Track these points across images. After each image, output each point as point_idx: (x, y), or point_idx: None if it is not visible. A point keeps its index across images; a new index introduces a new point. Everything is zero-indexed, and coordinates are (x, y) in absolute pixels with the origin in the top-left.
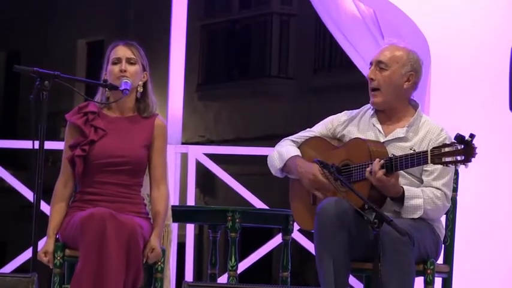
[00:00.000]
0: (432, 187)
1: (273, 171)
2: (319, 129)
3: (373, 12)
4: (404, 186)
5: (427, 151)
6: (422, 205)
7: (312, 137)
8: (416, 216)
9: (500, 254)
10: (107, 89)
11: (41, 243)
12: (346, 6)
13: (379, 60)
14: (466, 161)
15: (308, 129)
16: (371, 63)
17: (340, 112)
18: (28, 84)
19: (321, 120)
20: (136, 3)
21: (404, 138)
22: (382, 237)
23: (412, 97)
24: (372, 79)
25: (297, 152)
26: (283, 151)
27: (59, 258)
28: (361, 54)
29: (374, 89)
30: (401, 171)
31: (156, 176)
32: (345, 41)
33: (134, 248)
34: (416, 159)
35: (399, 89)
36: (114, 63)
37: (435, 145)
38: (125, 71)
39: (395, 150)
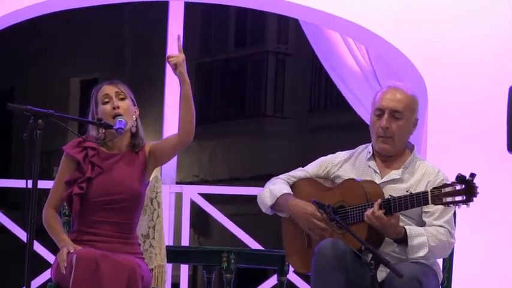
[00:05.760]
0: (434, 226)
1: (263, 209)
2: (311, 169)
3: (368, 59)
4: (405, 226)
5: (427, 192)
6: (427, 242)
7: (303, 178)
8: (422, 254)
9: None
10: (101, 128)
11: (34, 284)
12: (344, 54)
13: (395, 110)
14: (468, 200)
15: (300, 168)
16: (380, 109)
17: (335, 152)
18: (21, 122)
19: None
20: (130, 41)
21: (400, 180)
22: (389, 284)
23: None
24: (387, 128)
25: (289, 190)
26: (274, 189)
27: None
28: (357, 95)
29: (386, 137)
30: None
31: (171, 137)
32: (340, 82)
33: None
34: (416, 200)
35: (408, 136)
36: (104, 103)
37: (436, 185)
38: (118, 107)
39: (391, 192)
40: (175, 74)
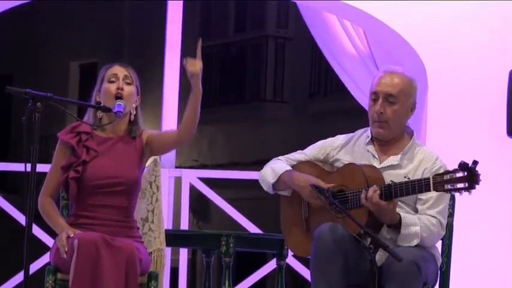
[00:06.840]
0: (427, 215)
1: (264, 187)
2: (311, 152)
3: (367, 44)
4: (401, 213)
5: (429, 178)
6: (419, 232)
7: (303, 161)
8: (413, 244)
9: (497, 281)
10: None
11: (33, 267)
12: (342, 39)
13: (389, 94)
14: (470, 188)
15: (300, 150)
16: (375, 94)
17: (334, 137)
18: (20, 106)
19: None
20: (130, 26)
21: (399, 166)
22: (388, 269)
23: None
24: (381, 113)
25: (290, 168)
26: (276, 167)
27: (50, 282)
28: (356, 81)
29: (381, 121)
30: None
31: (170, 133)
32: (339, 68)
33: (132, 271)
34: (417, 186)
35: (405, 120)
36: (110, 82)
37: (433, 173)
38: (122, 89)
39: (390, 177)
40: (189, 78)
